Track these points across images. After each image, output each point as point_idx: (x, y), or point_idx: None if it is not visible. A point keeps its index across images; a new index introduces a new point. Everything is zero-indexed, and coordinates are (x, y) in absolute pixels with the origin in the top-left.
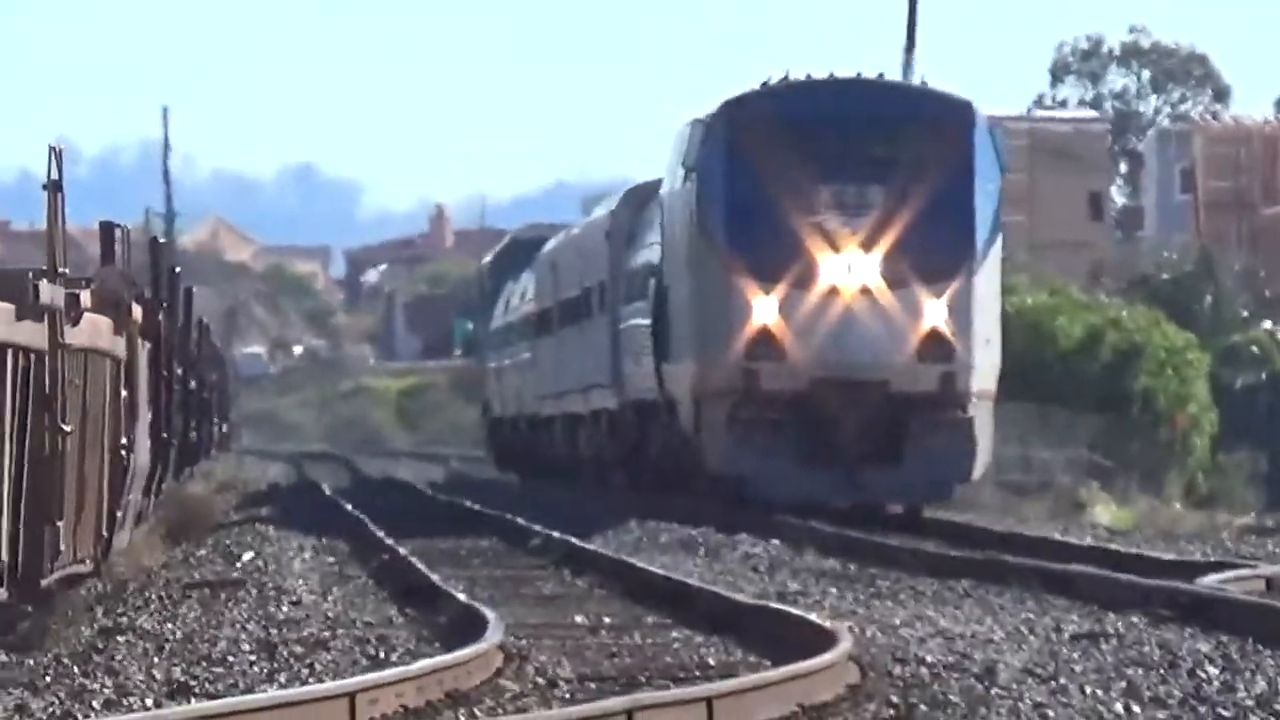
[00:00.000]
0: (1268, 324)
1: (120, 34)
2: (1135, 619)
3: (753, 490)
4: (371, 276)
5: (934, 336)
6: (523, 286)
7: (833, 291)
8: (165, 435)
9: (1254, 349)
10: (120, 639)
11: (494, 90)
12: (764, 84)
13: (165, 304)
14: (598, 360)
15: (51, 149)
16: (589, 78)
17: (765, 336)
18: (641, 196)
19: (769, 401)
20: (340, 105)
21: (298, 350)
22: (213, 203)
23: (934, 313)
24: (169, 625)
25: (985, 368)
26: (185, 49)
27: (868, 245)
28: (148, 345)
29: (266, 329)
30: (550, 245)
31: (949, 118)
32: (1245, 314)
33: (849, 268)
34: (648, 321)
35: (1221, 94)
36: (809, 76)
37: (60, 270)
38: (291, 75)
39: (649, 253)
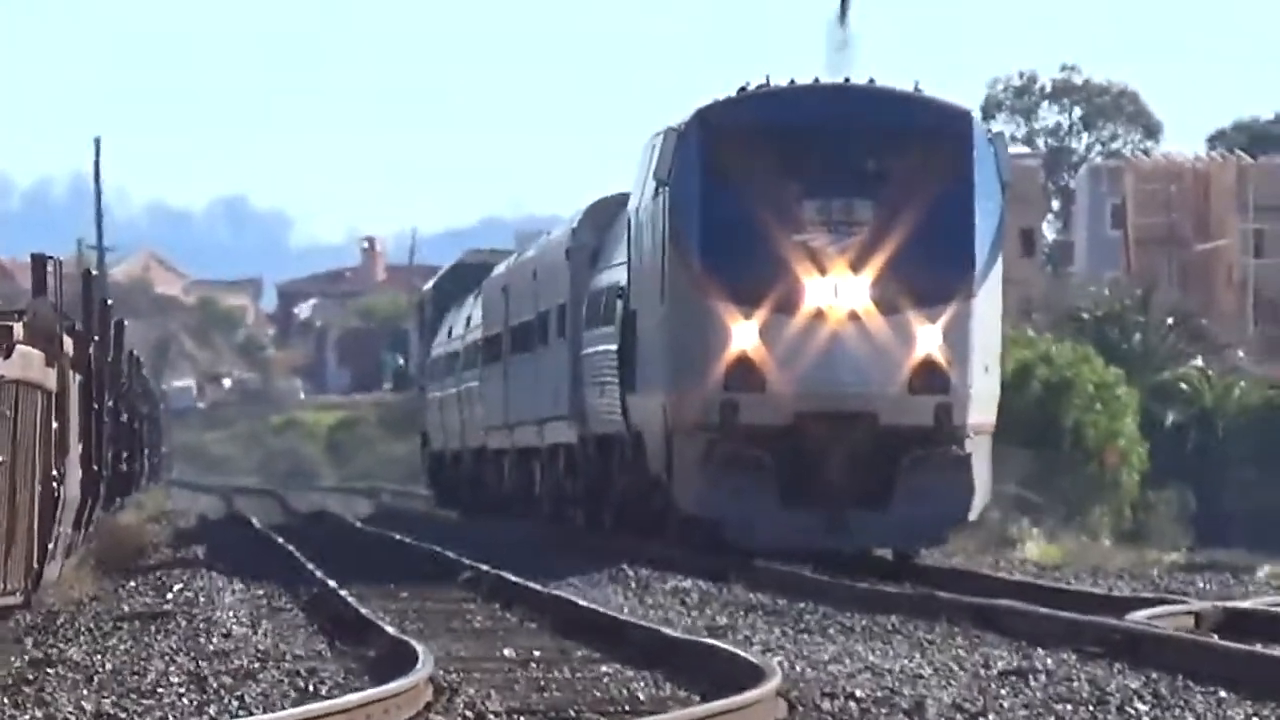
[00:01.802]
0: (1198, 361)
1: (52, 66)
2: (1064, 655)
3: (730, 535)
4: (302, 310)
5: (928, 366)
6: (468, 312)
7: (818, 316)
8: (96, 467)
9: (1183, 386)
10: (50, 670)
11: (425, 122)
12: (742, 89)
13: (96, 337)
14: (555, 390)
15: None
16: (521, 111)
17: (744, 365)
18: (606, 213)
19: (748, 436)
20: (271, 137)
21: (228, 383)
22: (144, 235)
23: (928, 340)
24: (99, 657)
25: (984, 399)
26: (117, 81)
27: (856, 266)
28: (79, 377)
29: (197, 362)
30: (501, 268)
31: (946, 127)
32: (1179, 348)
33: (836, 290)
34: (613, 348)
35: (1153, 131)
36: (792, 81)
37: None
38: (223, 107)
39: (614, 273)
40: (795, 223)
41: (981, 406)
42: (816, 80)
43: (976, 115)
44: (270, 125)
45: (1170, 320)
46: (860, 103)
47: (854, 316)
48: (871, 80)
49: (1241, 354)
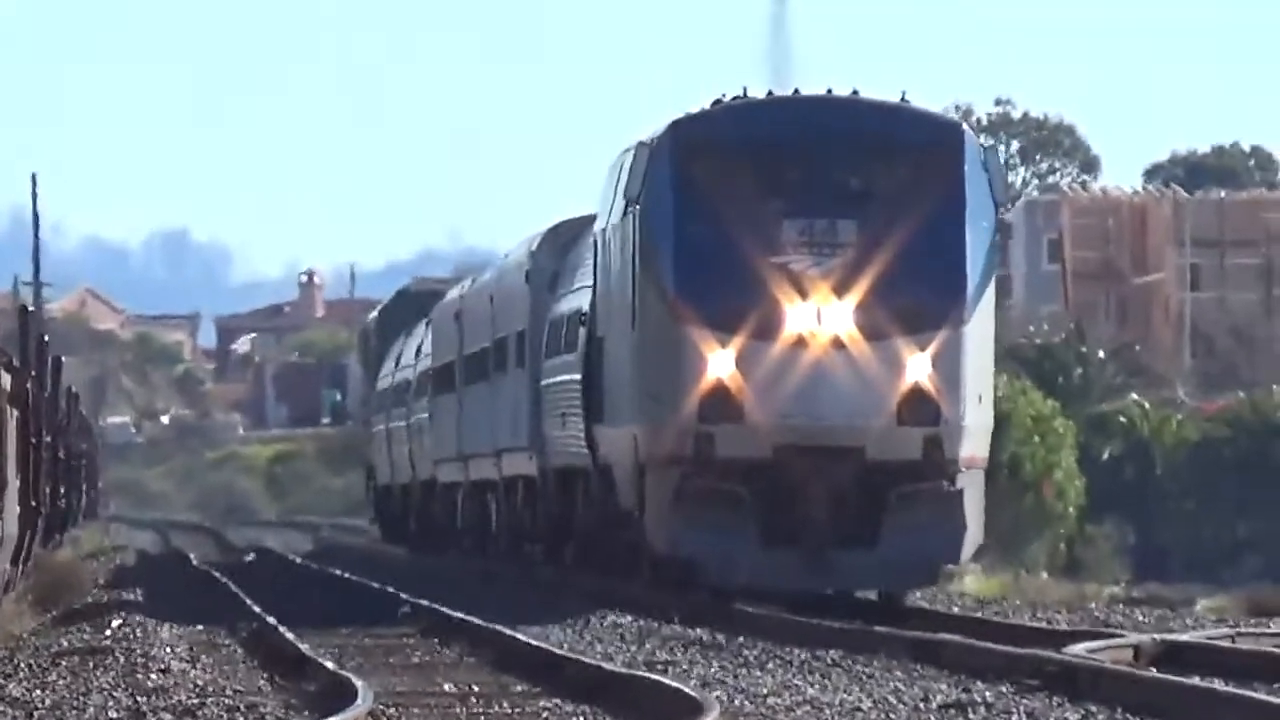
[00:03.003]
0: (1135, 395)
1: None
2: (1003, 688)
3: (707, 575)
4: (241, 345)
5: (917, 396)
6: (417, 341)
7: (799, 343)
8: (34, 503)
9: (1122, 419)
10: None
11: (364, 155)
12: (717, 101)
13: (33, 373)
14: (514, 420)
15: None
16: (458, 143)
17: (721, 395)
18: (566, 235)
19: (725, 471)
20: (210, 171)
21: (165, 419)
22: (81, 270)
23: (917, 368)
24: (38, 692)
25: (976, 431)
26: (53, 114)
27: (840, 290)
28: (16, 413)
29: (134, 398)
30: (453, 294)
31: (935, 141)
32: (1117, 381)
33: (818, 316)
34: (576, 377)
35: (1090, 165)
36: (770, 93)
37: None
38: (161, 140)
39: (577, 298)
40: (775, 244)
41: (974, 439)
42: (796, 91)
43: (968, 129)
44: (209, 159)
45: (1102, 354)
46: (843, 115)
47: (838, 344)
48: (855, 91)
49: (1180, 388)
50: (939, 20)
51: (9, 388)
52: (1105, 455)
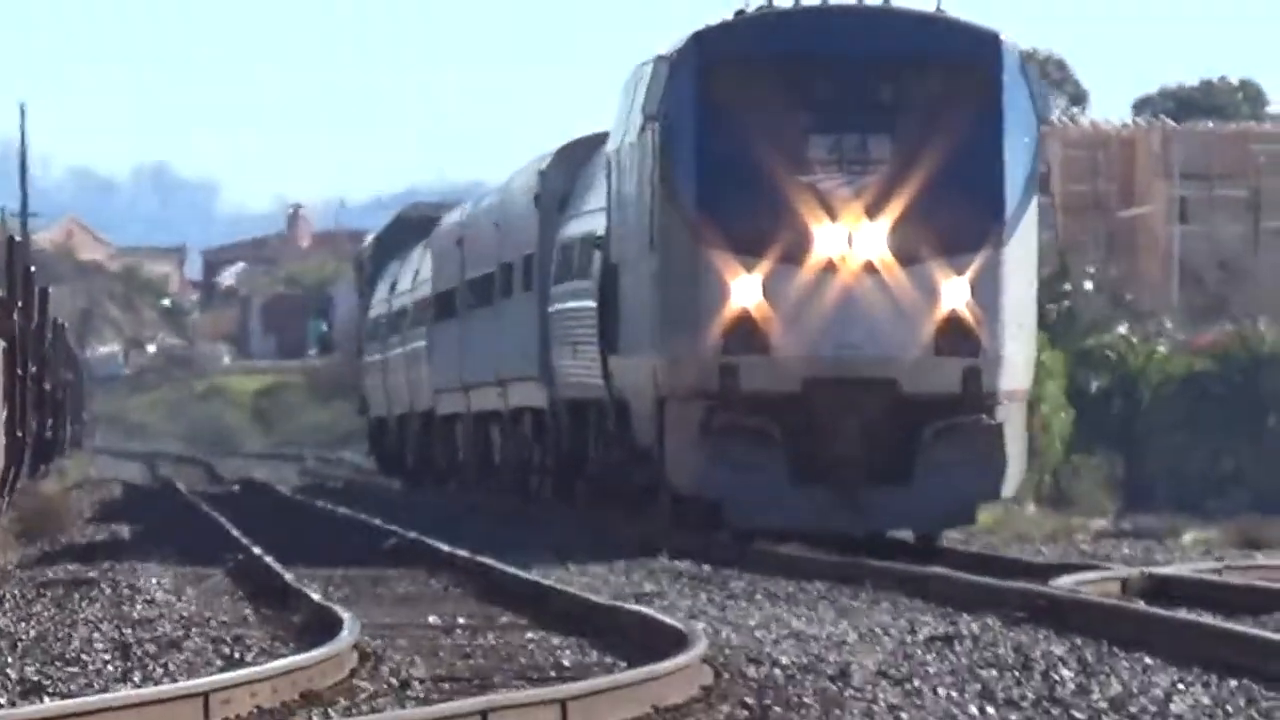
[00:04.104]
0: (1123, 329)
1: None
2: (990, 621)
3: (732, 516)
4: (227, 277)
5: (955, 323)
6: (414, 267)
7: (829, 268)
8: (20, 434)
9: (1109, 353)
10: None
11: (351, 90)
12: (740, 12)
13: (20, 303)
14: (521, 348)
15: None
16: (444, 82)
17: (746, 324)
18: (578, 155)
19: (751, 405)
20: (198, 104)
21: (152, 349)
22: (68, 202)
23: (954, 294)
24: (22, 624)
25: (1018, 361)
26: (41, 44)
27: (872, 210)
28: (2, 344)
29: (121, 329)
30: (453, 217)
31: (972, 53)
32: (1105, 315)
33: (849, 239)
34: (590, 304)
35: (1079, 98)
36: (797, 2)
37: None
38: (149, 73)
39: (590, 221)
40: (803, 162)
41: (1015, 370)
42: (825, 1)
43: (1009, 39)
44: (197, 92)
45: (1090, 286)
46: (875, 25)
47: (870, 268)
48: (886, 0)
49: (1168, 321)
50: None
51: None
52: (1094, 388)
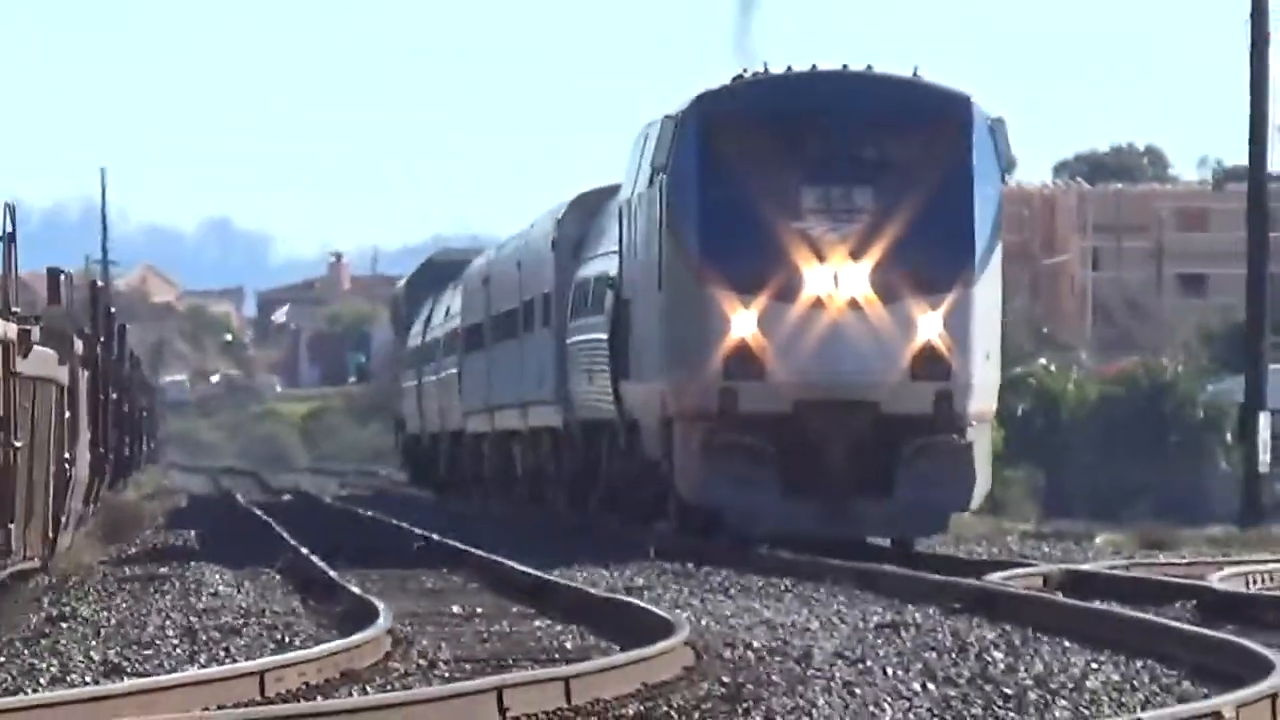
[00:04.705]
0: (1043, 359)
1: (64, 103)
2: (931, 611)
3: (731, 522)
4: (279, 316)
5: (929, 353)
6: (446, 304)
7: (818, 304)
8: (102, 451)
9: (1032, 380)
10: (63, 625)
11: (385, 151)
12: (738, 77)
13: (102, 339)
14: (540, 375)
15: (6, 206)
16: (467, 141)
17: (744, 353)
18: (590, 204)
19: (748, 425)
20: (253, 165)
21: (215, 379)
22: (142, 251)
23: (929, 327)
24: (105, 614)
25: (985, 386)
26: (121, 114)
27: (856, 253)
28: (87, 374)
29: (188, 360)
30: (481, 260)
31: (945, 113)
32: (1029, 348)
33: (836, 278)
34: (603, 336)
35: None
36: (789, 69)
37: (13, 310)
38: (212, 138)
39: (603, 263)
40: (794, 210)
41: (982, 394)
42: (814, 67)
43: (977, 100)
44: (253, 155)
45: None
46: (859, 88)
47: (854, 304)
48: (869, 66)
49: (1082, 353)
50: (868, 27)
51: (81, 351)
52: (1019, 411)
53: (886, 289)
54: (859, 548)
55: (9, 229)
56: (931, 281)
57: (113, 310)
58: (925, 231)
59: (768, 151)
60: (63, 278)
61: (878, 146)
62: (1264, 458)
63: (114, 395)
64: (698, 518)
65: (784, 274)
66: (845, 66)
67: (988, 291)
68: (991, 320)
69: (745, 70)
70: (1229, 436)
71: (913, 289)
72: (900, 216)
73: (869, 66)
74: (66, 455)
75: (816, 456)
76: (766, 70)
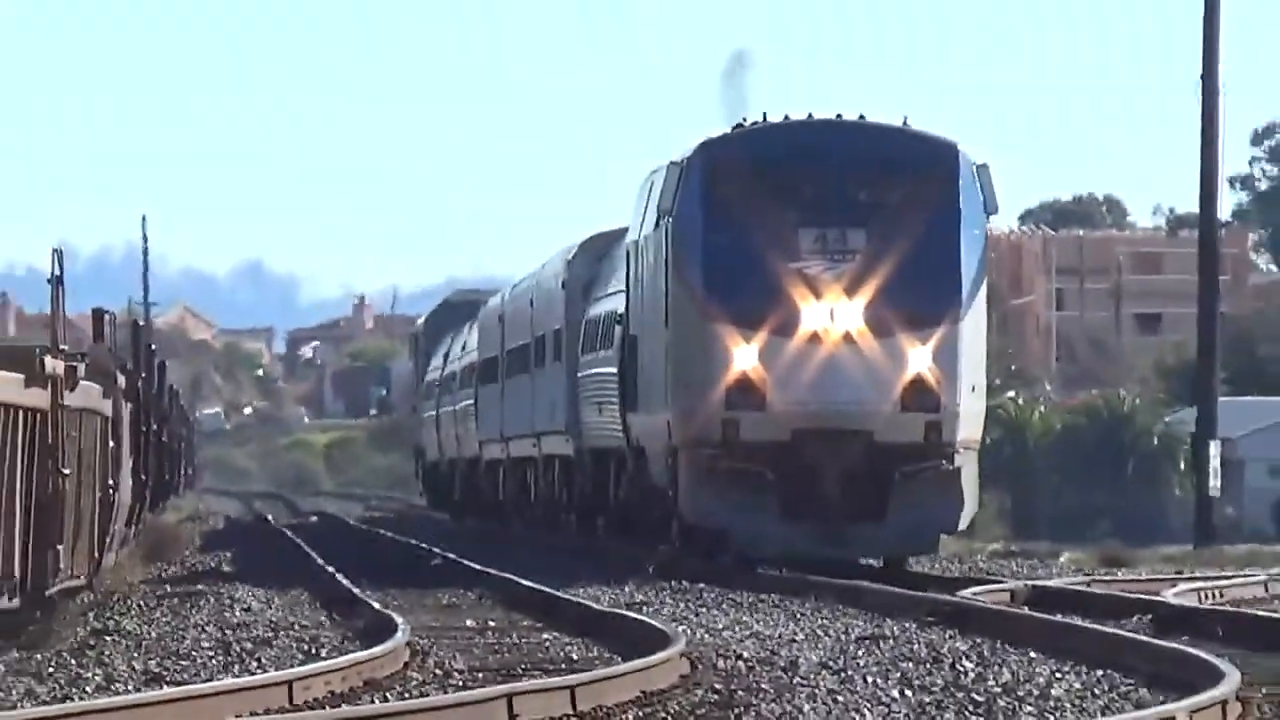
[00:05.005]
0: (1011, 392)
1: (108, 154)
2: (908, 624)
3: (733, 543)
4: (306, 352)
5: (919, 385)
6: (463, 340)
7: (815, 339)
8: (144, 477)
9: (1001, 411)
10: (108, 638)
11: (401, 198)
12: (737, 125)
13: (143, 374)
14: (552, 406)
15: (54, 251)
16: (479, 187)
17: (745, 385)
18: (599, 247)
19: (749, 452)
20: (281, 213)
21: (248, 411)
22: (180, 292)
23: (919, 360)
24: (146, 627)
25: (971, 416)
26: (160, 164)
27: (851, 291)
28: (130, 406)
29: (223, 393)
30: (496, 299)
31: (934, 159)
32: (997, 382)
33: (831, 314)
34: (611, 370)
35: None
36: (787, 117)
37: (61, 347)
38: (244, 188)
39: (611, 301)
40: (792, 250)
41: (969, 423)
42: (810, 115)
43: (963, 147)
44: (282, 204)
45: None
46: (852, 136)
47: (848, 339)
48: (862, 116)
49: (1047, 386)
50: (836, 87)
51: (124, 386)
52: (989, 439)
53: (879, 324)
54: (850, 565)
55: (57, 272)
56: (921, 317)
57: (153, 347)
58: (915, 270)
59: (767, 195)
60: (107, 318)
61: (870, 191)
62: (1214, 483)
63: (154, 426)
64: (701, 540)
65: (783, 310)
66: (839, 116)
67: (974, 326)
68: (977, 353)
69: (745, 119)
70: (1182, 463)
71: (903, 325)
72: (892, 256)
73: (861, 116)
74: (110, 481)
75: (814, 482)
76: (765, 119)
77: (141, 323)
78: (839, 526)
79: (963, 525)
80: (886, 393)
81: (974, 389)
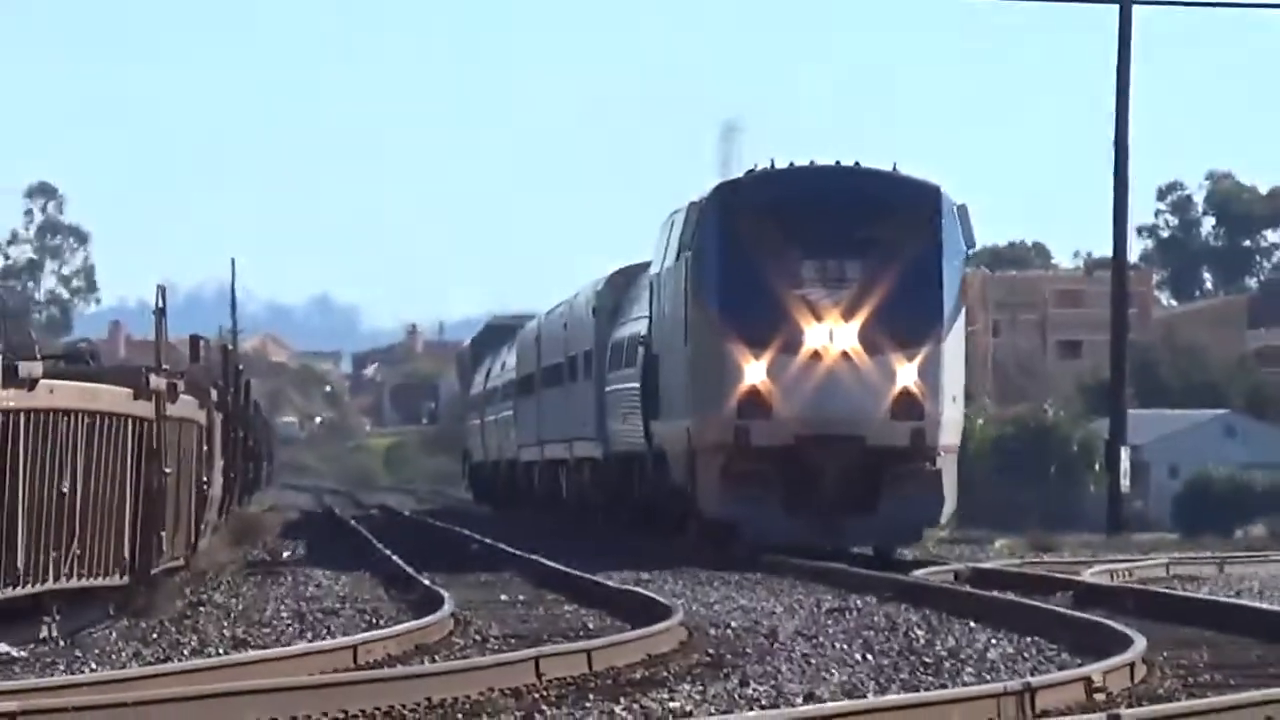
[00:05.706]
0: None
1: (201, 206)
2: (869, 598)
3: (744, 534)
4: (369, 371)
5: (906, 397)
6: (504, 359)
7: (816, 356)
8: (232, 475)
9: None
10: (202, 609)
11: (447, 238)
12: (750, 171)
13: (231, 390)
14: (583, 416)
15: (159, 288)
16: (515, 226)
17: (755, 396)
18: (625, 278)
19: (758, 455)
20: (348, 253)
21: (318, 420)
22: (262, 322)
23: (906, 375)
24: (234, 600)
25: (951, 424)
26: (245, 214)
27: (847, 315)
28: (220, 416)
29: (298, 406)
30: (532, 324)
31: (919, 200)
32: None
33: (830, 335)
34: (635, 385)
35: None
36: (792, 163)
37: (163, 367)
38: (318, 229)
39: (636, 326)
40: (796, 279)
41: (950, 430)
42: (812, 162)
43: (945, 189)
44: (346, 245)
45: None
46: (849, 180)
47: (845, 356)
48: (857, 163)
49: (986, 401)
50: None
51: (215, 399)
52: None
53: (872, 344)
54: (839, 552)
55: (160, 305)
56: (908, 338)
57: (240, 368)
58: (903, 297)
59: (775, 231)
60: (202, 343)
61: (865, 228)
62: (1124, 482)
63: (241, 433)
64: (715, 531)
65: (788, 331)
66: (838, 162)
67: (954, 346)
68: (957, 370)
69: (756, 165)
70: (1097, 465)
71: (893, 344)
72: (883, 285)
73: (857, 162)
74: (204, 478)
75: (814, 481)
76: (773, 165)
77: (230, 347)
78: (836, 520)
79: (944, 520)
80: (878, 403)
81: (954, 400)
